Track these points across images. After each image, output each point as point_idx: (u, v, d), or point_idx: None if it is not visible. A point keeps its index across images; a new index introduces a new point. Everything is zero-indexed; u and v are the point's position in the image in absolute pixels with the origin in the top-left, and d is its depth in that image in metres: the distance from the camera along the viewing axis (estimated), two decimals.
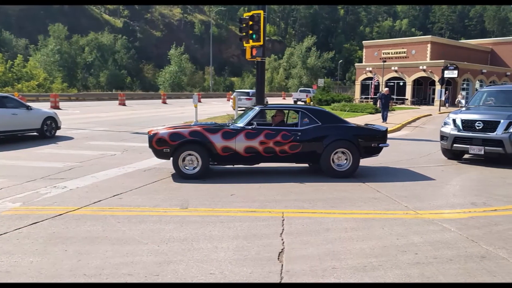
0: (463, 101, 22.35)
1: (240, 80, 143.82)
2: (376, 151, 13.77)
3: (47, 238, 7.59)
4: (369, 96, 73.82)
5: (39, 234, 7.78)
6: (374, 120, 31.39)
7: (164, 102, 58.42)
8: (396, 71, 76.93)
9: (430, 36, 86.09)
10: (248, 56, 20.61)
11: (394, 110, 47.92)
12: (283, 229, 8.23)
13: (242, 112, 17.39)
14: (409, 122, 34.65)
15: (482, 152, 15.63)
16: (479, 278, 6.30)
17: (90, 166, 14.23)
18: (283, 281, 6.06)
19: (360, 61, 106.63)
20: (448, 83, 66.08)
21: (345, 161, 13.24)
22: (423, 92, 78.51)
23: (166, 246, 7.28)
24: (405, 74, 75.79)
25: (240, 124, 13.15)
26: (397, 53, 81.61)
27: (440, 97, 55.05)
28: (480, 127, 15.74)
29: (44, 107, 28.50)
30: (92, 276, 6.14)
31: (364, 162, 14.45)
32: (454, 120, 16.62)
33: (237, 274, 6.24)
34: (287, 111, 15.60)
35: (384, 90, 36.86)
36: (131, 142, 19.94)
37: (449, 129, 16.57)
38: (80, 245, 7.29)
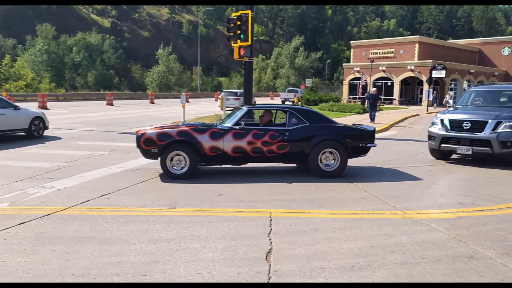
0: (450, 101, 22.44)
1: (228, 80, 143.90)
2: (364, 151, 13.79)
3: (35, 238, 7.57)
4: (357, 96, 74.12)
5: (27, 234, 7.74)
6: (362, 120, 31.43)
7: (152, 102, 58.36)
8: (384, 71, 77.29)
9: (418, 36, 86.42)
10: (236, 56, 20.62)
11: (382, 110, 48.12)
12: (271, 229, 8.22)
13: (230, 112, 17.40)
14: (397, 122, 34.80)
15: (470, 152, 15.67)
16: (467, 278, 6.31)
17: (78, 166, 14.20)
18: (271, 281, 6.06)
19: (348, 61, 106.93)
20: (436, 83, 66.37)
21: (333, 161, 13.25)
22: (411, 92, 78.97)
23: (154, 246, 7.26)
24: (393, 74, 76.16)
25: (228, 124, 13.15)
26: (385, 53, 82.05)
27: (428, 97, 55.53)
28: (468, 127, 15.78)
29: (32, 107, 28.37)
30: (80, 276, 6.12)
31: (352, 162, 14.48)
32: (442, 120, 16.66)
33: (225, 274, 6.23)
34: (275, 111, 15.59)
35: (372, 90, 37.00)
36: (119, 142, 19.90)
37: (437, 129, 16.60)
38: (68, 245, 7.26)
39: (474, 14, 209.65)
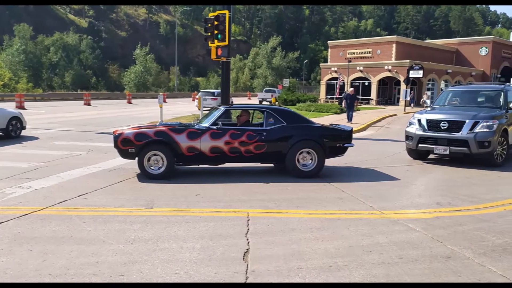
0: (428, 101, 22.51)
1: (205, 80, 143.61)
2: (341, 151, 13.83)
3: (12, 238, 7.54)
4: (335, 96, 74.14)
5: (4, 234, 7.72)
6: (339, 120, 31.42)
7: (129, 102, 58.18)
8: (361, 71, 77.12)
9: (395, 36, 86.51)
10: (213, 56, 20.58)
11: (359, 110, 48.27)
12: (248, 229, 8.22)
13: (207, 112, 17.37)
14: (374, 122, 34.89)
15: (447, 152, 15.74)
16: (444, 278, 6.34)
17: (55, 166, 14.13)
18: (248, 281, 6.06)
19: (325, 61, 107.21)
20: (413, 83, 66.48)
21: (310, 161, 13.29)
22: (388, 92, 78.60)
23: (131, 246, 7.25)
24: (370, 74, 76.05)
25: (205, 124, 13.18)
26: (362, 53, 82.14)
27: (405, 97, 55.78)
28: (446, 127, 15.84)
29: (9, 107, 28.16)
30: (57, 276, 6.11)
31: (330, 162, 14.48)
32: (419, 120, 16.71)
33: (202, 274, 6.23)
34: (252, 111, 15.53)
35: (349, 90, 37.07)
36: (97, 142, 19.83)
37: (414, 129, 16.65)
38: (45, 245, 7.24)
39: (452, 14, 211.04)
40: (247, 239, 7.69)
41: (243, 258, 6.84)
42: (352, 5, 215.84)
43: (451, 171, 15.00)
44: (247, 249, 7.21)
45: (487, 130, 15.26)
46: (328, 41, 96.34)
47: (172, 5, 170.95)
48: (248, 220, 8.81)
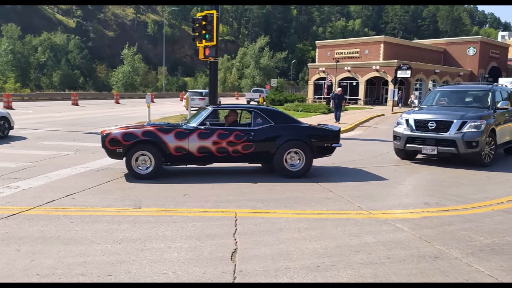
0: (416, 101, 22.51)
1: (193, 80, 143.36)
2: (329, 151, 13.84)
3: (0, 238, 7.52)
4: (322, 96, 74.14)
5: None
6: (327, 120, 31.47)
7: (117, 102, 58.06)
8: (349, 71, 77.17)
9: (383, 36, 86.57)
10: (201, 56, 20.54)
11: (347, 110, 48.34)
12: (236, 229, 8.22)
13: (195, 112, 17.35)
14: (362, 122, 34.92)
15: (435, 152, 15.76)
16: (432, 278, 6.35)
17: (43, 166, 14.10)
18: (236, 281, 6.06)
19: (313, 61, 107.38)
20: (401, 83, 66.53)
21: (298, 161, 13.30)
22: (376, 92, 78.68)
23: (119, 246, 7.24)
24: (358, 74, 76.11)
25: (193, 124, 13.17)
26: (350, 53, 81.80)
27: (393, 97, 55.66)
28: (433, 127, 15.87)
29: None
30: (45, 276, 6.10)
31: (317, 162, 14.48)
32: (407, 120, 16.73)
33: (190, 274, 6.23)
34: (240, 111, 15.54)
35: (337, 90, 37.10)
36: (84, 142, 19.79)
37: (402, 129, 16.67)
38: (33, 245, 7.23)
39: (440, 14, 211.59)
40: (235, 239, 7.69)
41: (231, 258, 6.84)
42: (339, 5, 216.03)
43: (439, 171, 15.04)
44: (235, 249, 7.22)
45: (475, 130, 15.29)
46: (316, 41, 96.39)
47: (159, 5, 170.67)
48: (236, 220, 8.81)
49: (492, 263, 6.96)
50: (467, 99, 18.14)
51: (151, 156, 12.49)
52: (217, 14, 19.98)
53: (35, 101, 58.21)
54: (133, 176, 12.52)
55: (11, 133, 21.27)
